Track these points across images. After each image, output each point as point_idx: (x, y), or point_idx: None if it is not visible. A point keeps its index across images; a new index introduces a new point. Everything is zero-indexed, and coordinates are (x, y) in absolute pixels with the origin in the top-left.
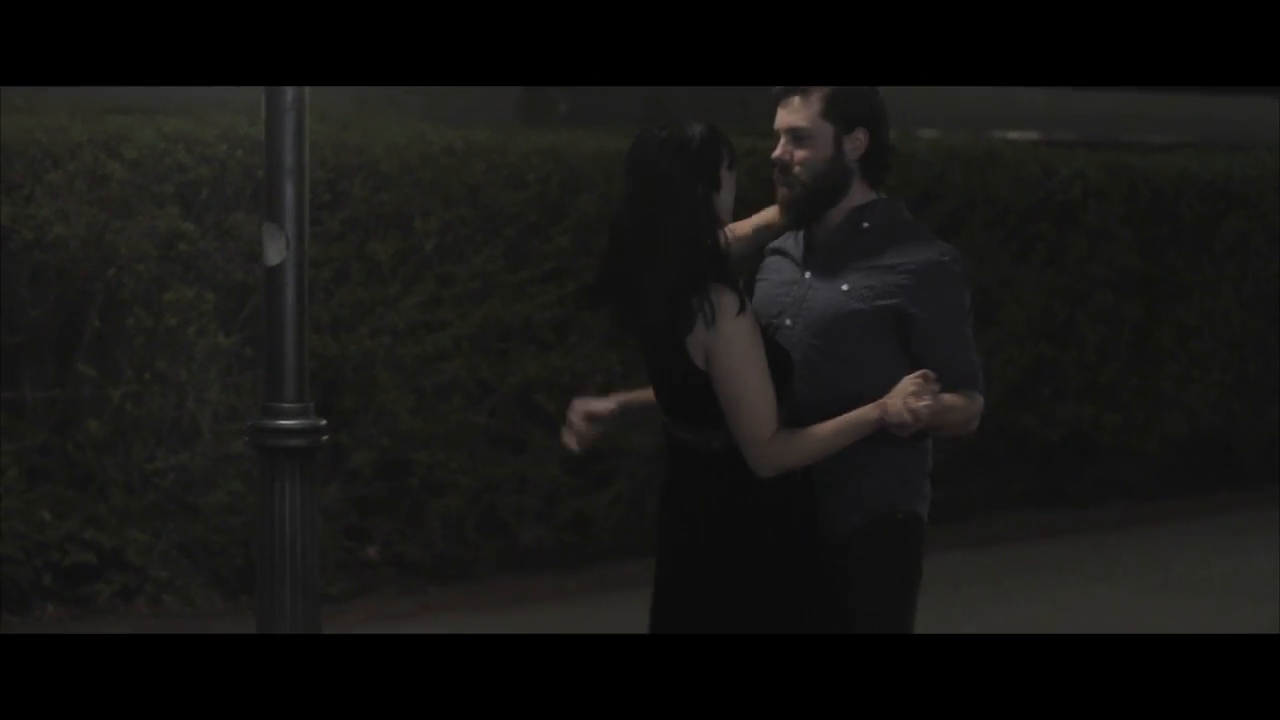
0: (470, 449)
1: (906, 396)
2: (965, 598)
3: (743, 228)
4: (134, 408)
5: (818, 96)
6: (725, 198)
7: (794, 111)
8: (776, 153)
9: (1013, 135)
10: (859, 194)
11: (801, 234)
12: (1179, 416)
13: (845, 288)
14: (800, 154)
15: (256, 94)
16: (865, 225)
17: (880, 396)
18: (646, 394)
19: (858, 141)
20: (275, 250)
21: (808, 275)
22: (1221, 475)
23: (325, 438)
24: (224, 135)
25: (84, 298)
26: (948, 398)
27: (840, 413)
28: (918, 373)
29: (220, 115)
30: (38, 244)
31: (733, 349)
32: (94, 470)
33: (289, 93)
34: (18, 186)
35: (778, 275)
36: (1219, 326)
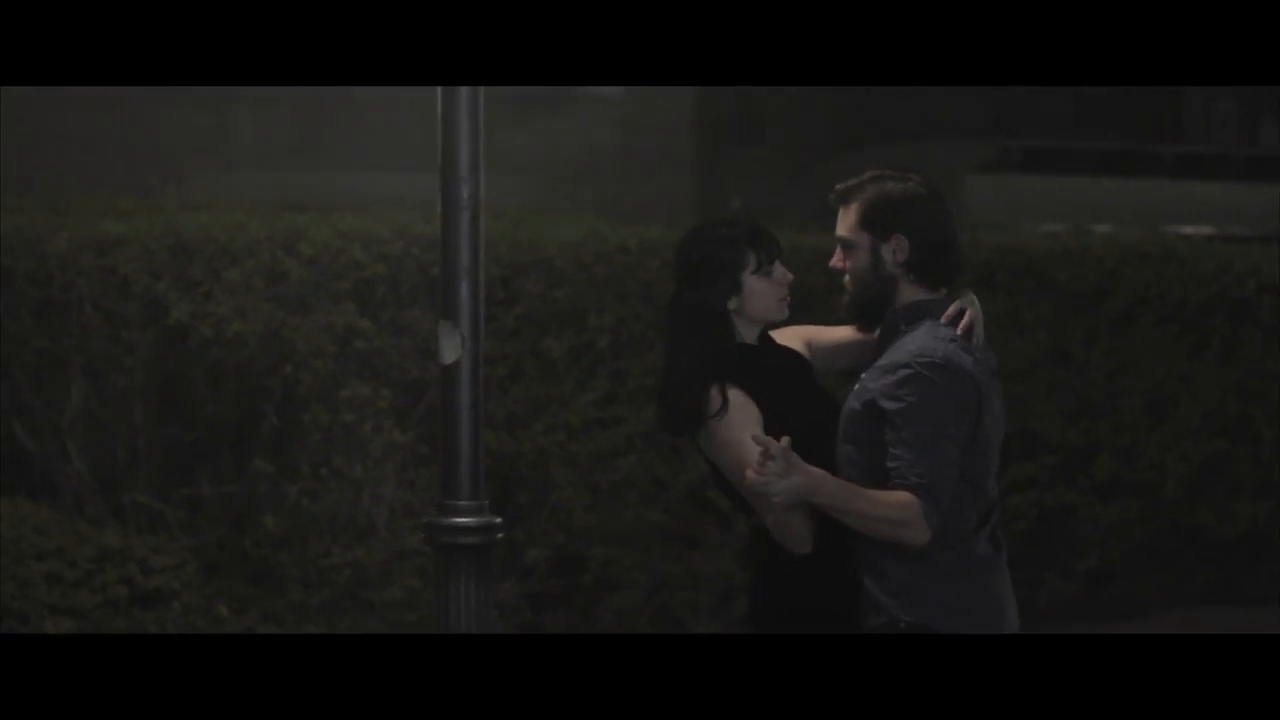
0: (644, 545)
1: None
2: None
3: (841, 334)
4: (310, 503)
5: (855, 206)
6: (755, 300)
7: (840, 222)
8: (832, 261)
9: (1187, 230)
10: (908, 295)
11: None
12: None
13: (856, 388)
14: (847, 262)
15: (432, 192)
16: (902, 327)
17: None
18: None
19: (897, 248)
20: (451, 347)
21: (861, 378)
22: None
23: (500, 534)
24: (399, 233)
25: (261, 394)
26: (817, 477)
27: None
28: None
29: (396, 213)
30: (216, 340)
31: (715, 441)
32: (271, 566)
33: (464, 190)
34: (197, 284)
35: None
36: None
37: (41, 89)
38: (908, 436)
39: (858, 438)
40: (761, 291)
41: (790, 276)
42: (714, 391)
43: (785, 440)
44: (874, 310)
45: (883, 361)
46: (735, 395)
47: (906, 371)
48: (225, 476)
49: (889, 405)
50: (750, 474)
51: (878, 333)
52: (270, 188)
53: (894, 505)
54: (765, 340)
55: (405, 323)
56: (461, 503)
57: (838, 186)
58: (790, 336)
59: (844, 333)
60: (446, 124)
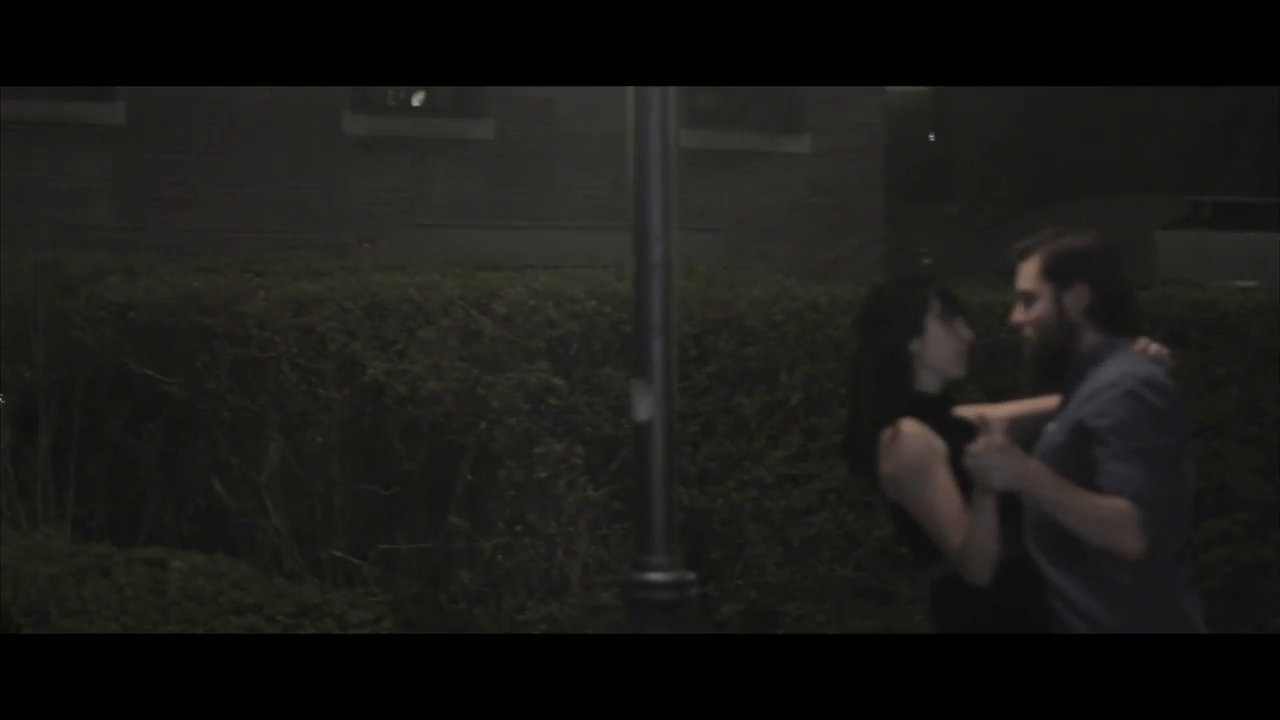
0: (836, 601)
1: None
2: None
3: (1015, 407)
4: (505, 559)
5: (1036, 259)
6: (935, 347)
7: (1021, 276)
8: (1014, 315)
9: None
10: (1090, 341)
11: None
12: None
13: (1053, 426)
14: (1029, 315)
15: (625, 250)
16: (1089, 369)
17: None
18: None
19: (1079, 296)
20: (644, 405)
21: (1048, 425)
22: None
23: (693, 590)
24: (592, 291)
25: (456, 451)
26: (1036, 466)
27: (1055, 547)
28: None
29: (589, 271)
30: (411, 398)
31: (906, 477)
32: (466, 621)
33: (657, 249)
34: (392, 342)
35: None
36: None
37: (241, 153)
38: (1119, 450)
39: (1062, 468)
40: (942, 339)
41: (971, 334)
42: (906, 425)
43: (1001, 423)
44: (1057, 359)
45: (1084, 391)
46: (917, 427)
47: (1115, 390)
48: (421, 532)
49: (1100, 423)
50: (973, 449)
51: (1059, 394)
52: (464, 247)
53: (1111, 509)
54: (945, 398)
55: (598, 380)
56: (655, 559)
57: (1017, 244)
58: (963, 413)
59: (1015, 408)
60: (639, 183)
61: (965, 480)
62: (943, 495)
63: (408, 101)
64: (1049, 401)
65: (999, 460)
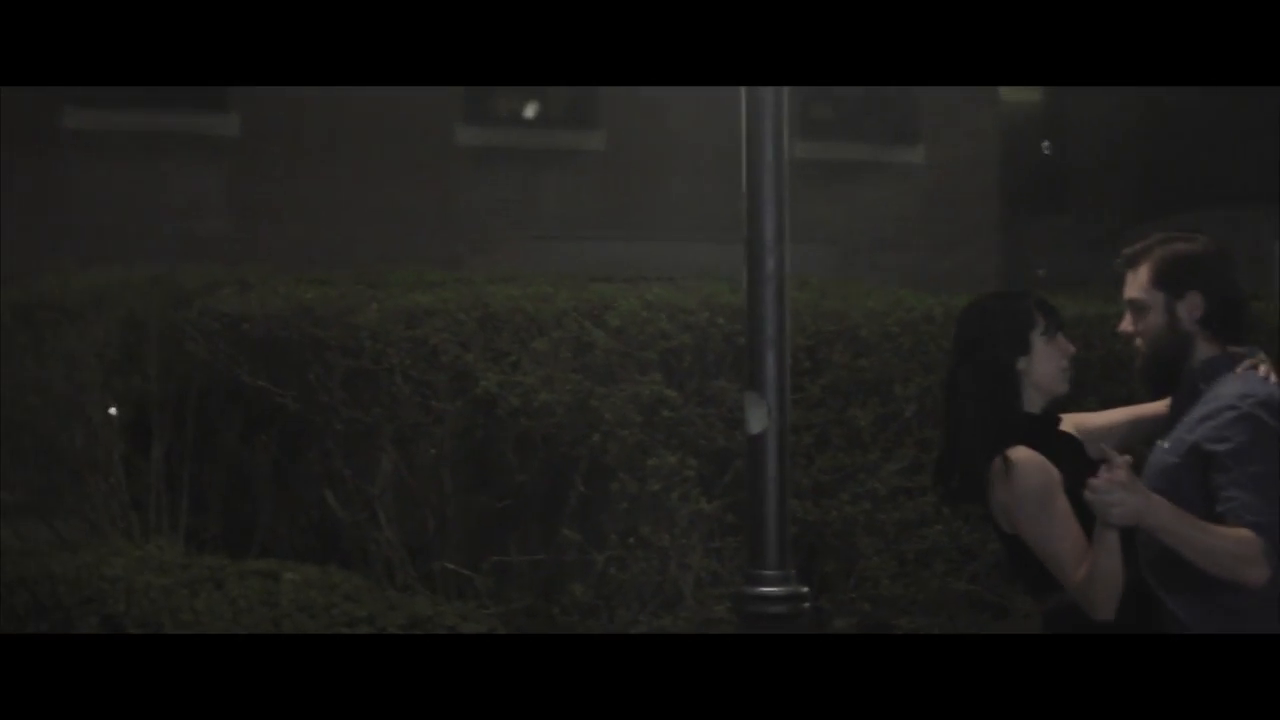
0: (951, 614)
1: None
2: None
3: (1111, 415)
4: (618, 572)
5: (1146, 268)
6: (1041, 364)
7: (1129, 284)
8: (1121, 325)
9: None
10: (1204, 352)
11: None
12: None
13: (1166, 445)
14: (1140, 324)
15: (738, 262)
16: (1200, 385)
17: None
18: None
19: (1192, 305)
20: (757, 418)
21: (1158, 442)
22: None
23: (806, 604)
24: (705, 303)
25: (569, 463)
26: (1158, 501)
27: (1170, 572)
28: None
29: (702, 283)
30: (524, 410)
31: (1026, 510)
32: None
33: (770, 260)
34: (505, 354)
35: None
36: None
37: (351, 162)
38: (1240, 477)
39: (1175, 491)
40: (1048, 356)
41: (1073, 349)
42: (1005, 457)
43: (1127, 458)
44: (1168, 371)
45: (1198, 412)
46: (1030, 454)
47: (1233, 413)
48: (533, 545)
49: (1217, 448)
50: (1094, 482)
51: (1169, 400)
52: (577, 258)
53: (1234, 539)
54: (1049, 415)
55: (711, 392)
56: (768, 572)
57: (1125, 250)
58: (1065, 425)
59: (1113, 416)
60: (752, 194)
61: (1081, 506)
62: (1064, 529)
63: (520, 112)
64: (1149, 408)
65: (1121, 496)
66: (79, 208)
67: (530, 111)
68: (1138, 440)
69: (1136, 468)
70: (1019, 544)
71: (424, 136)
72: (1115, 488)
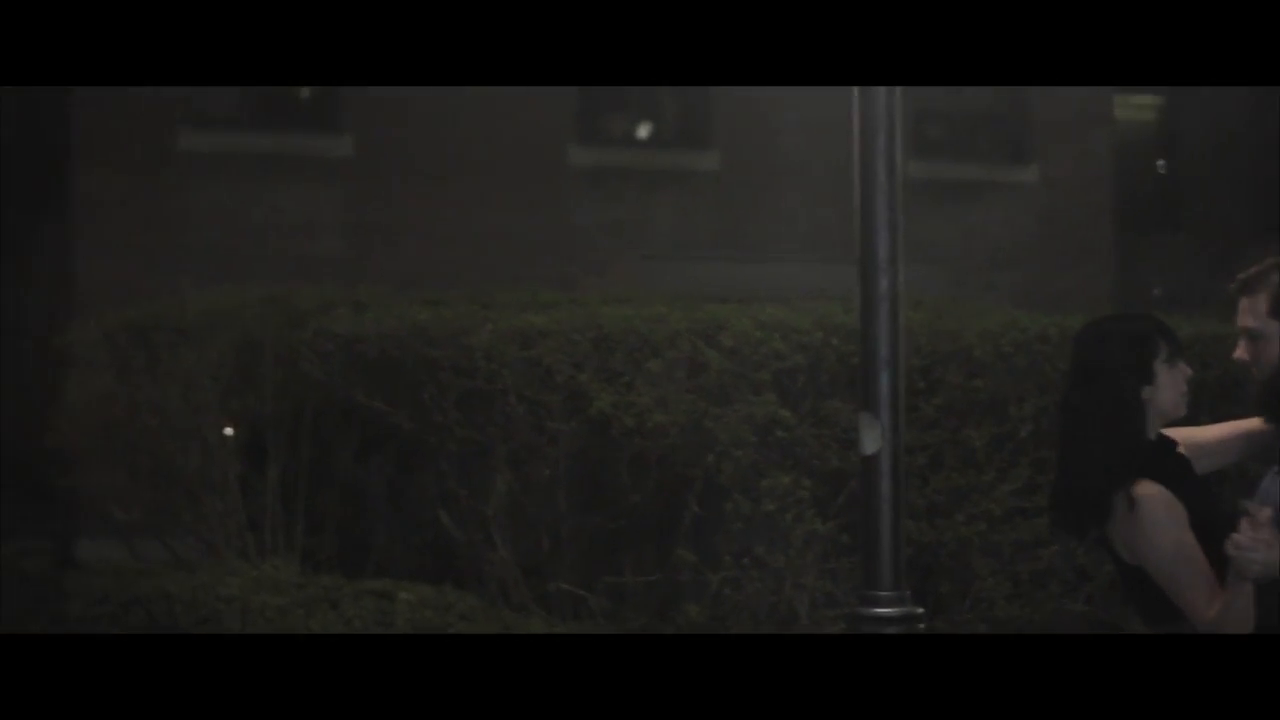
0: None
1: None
2: None
3: (1222, 430)
4: (732, 593)
5: (1264, 296)
6: (1164, 392)
7: (1245, 312)
8: (1236, 353)
9: None
10: None
11: None
12: None
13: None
14: (1256, 353)
15: (852, 282)
16: None
17: None
18: None
19: None
20: (871, 438)
21: (1273, 468)
22: None
23: (922, 625)
24: (819, 324)
25: (683, 483)
26: None
27: None
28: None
29: (816, 304)
30: (638, 431)
31: (1155, 551)
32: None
33: (883, 281)
34: (619, 375)
35: None
36: None
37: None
38: None
39: None
40: (1170, 383)
41: (1190, 372)
42: (1130, 489)
43: (1267, 511)
44: None
45: None
46: (1157, 490)
47: None
48: (648, 565)
49: None
50: (1238, 539)
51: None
52: (690, 278)
53: None
54: (1167, 441)
55: (825, 413)
56: (883, 593)
57: (1239, 276)
58: (1175, 440)
59: (1224, 431)
60: (864, 214)
61: (1204, 535)
62: (1195, 574)
63: (633, 133)
64: (1259, 425)
65: (1264, 555)
66: (195, 229)
67: (643, 132)
68: (1250, 457)
69: (1244, 487)
70: (1139, 574)
71: (537, 157)
72: (1259, 545)
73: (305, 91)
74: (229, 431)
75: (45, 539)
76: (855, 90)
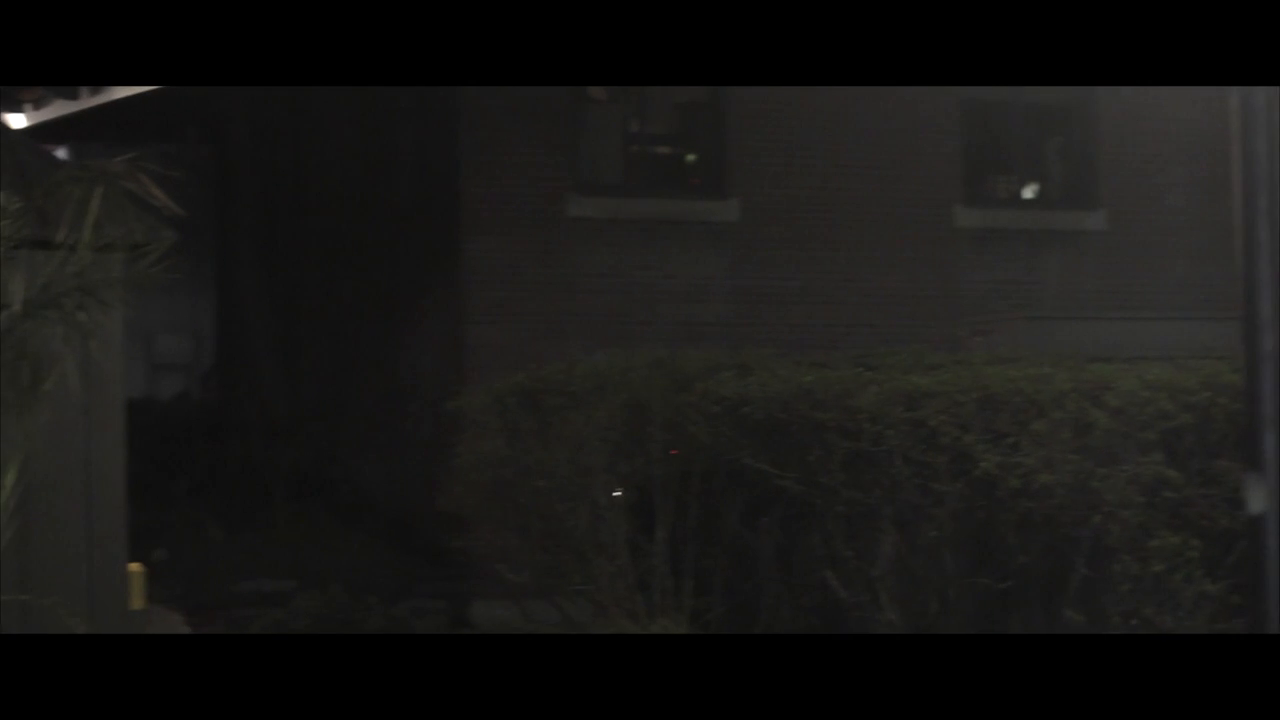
0: None
1: None
2: None
3: None
4: None
5: None
6: None
7: None
8: None
9: None
10: None
11: None
12: None
13: None
14: None
15: (1237, 341)
16: None
17: None
18: None
19: None
20: (1258, 498)
21: None
22: None
23: None
24: (1206, 383)
25: (1070, 544)
26: None
27: None
28: None
29: (1202, 362)
30: (1024, 491)
31: None
32: None
33: (1267, 340)
34: (1004, 435)
35: None
36: None
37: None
38: None
39: None
40: None
41: None
42: None
43: None
44: None
45: None
46: None
47: None
48: (1036, 626)
49: None
50: None
51: None
52: (1075, 338)
53: None
54: None
55: (1214, 472)
56: None
57: None
58: None
59: None
60: (1248, 271)
61: None
62: None
63: (1019, 194)
64: None
65: None
66: (582, 294)
67: (1029, 193)
68: None
69: None
70: None
71: (923, 218)
72: None
73: (691, 156)
74: (618, 493)
75: (441, 599)
76: (1237, 149)
